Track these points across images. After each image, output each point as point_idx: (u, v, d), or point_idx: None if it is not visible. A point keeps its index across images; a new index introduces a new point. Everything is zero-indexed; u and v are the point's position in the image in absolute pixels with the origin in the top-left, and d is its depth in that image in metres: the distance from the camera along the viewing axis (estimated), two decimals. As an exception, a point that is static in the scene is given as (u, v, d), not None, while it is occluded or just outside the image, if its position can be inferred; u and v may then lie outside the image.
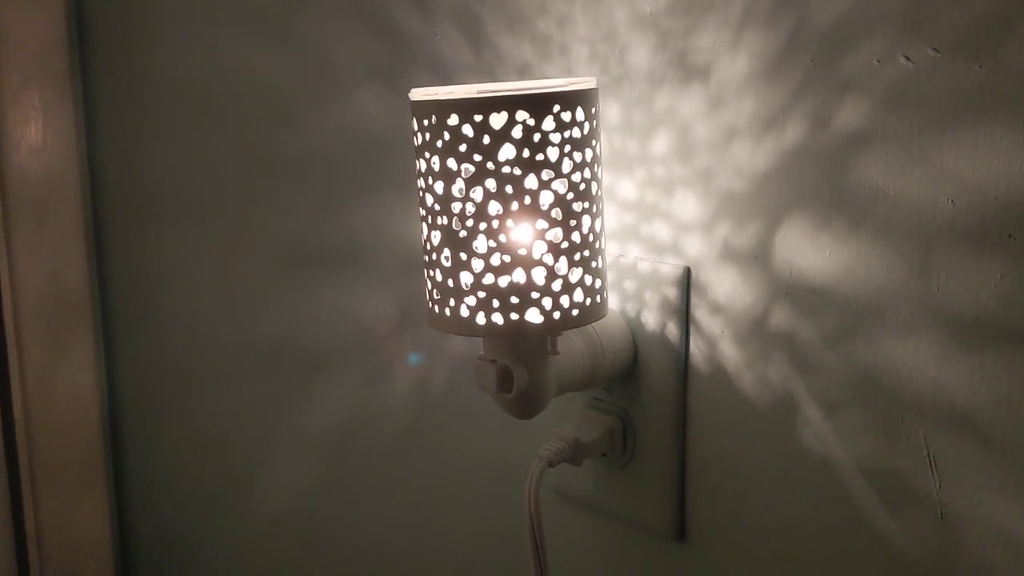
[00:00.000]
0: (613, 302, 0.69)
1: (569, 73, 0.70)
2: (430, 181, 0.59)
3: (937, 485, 0.55)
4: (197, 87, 1.09)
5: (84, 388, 1.28)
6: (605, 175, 0.69)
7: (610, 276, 0.68)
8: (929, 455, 0.55)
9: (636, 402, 0.68)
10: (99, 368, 1.30)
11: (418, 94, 0.59)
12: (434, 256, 0.60)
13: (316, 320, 0.98)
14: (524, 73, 0.73)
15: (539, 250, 0.58)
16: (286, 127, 0.97)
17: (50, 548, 1.28)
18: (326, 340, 0.98)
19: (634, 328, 0.68)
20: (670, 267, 0.65)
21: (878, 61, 0.54)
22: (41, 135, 1.21)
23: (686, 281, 0.65)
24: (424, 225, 0.60)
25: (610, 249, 0.69)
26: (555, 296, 0.58)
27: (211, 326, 1.15)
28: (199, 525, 1.24)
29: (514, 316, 0.58)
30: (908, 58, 0.53)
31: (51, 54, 1.20)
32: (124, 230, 1.26)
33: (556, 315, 0.58)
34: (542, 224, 0.57)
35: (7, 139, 1.18)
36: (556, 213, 0.58)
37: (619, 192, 0.68)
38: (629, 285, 0.68)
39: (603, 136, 0.68)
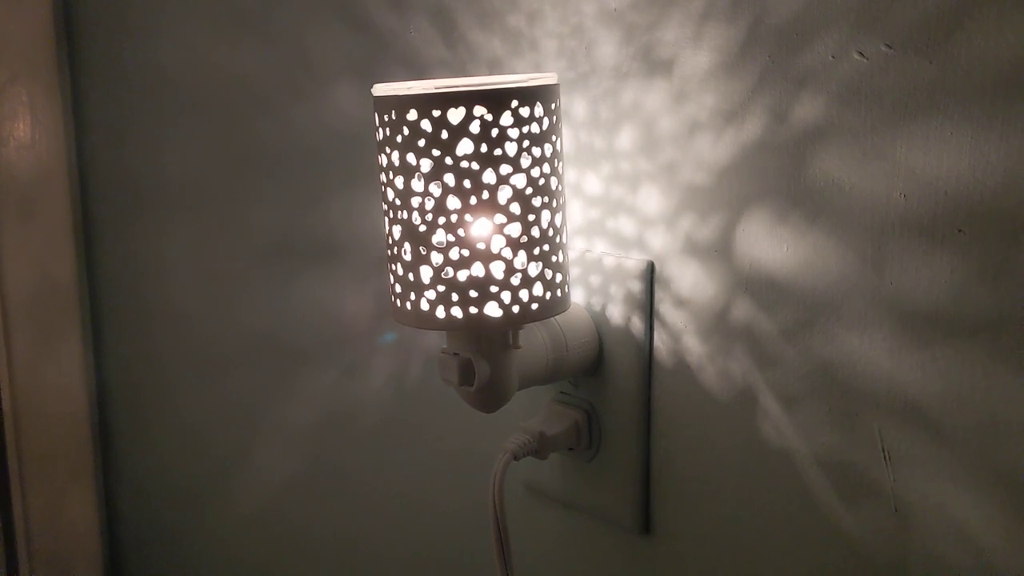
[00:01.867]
0: (579, 296, 0.69)
1: (538, 68, 0.70)
2: (391, 176, 0.59)
3: (891, 478, 0.55)
4: (183, 83, 1.10)
5: (72, 381, 1.29)
6: (572, 171, 0.69)
7: (576, 271, 0.69)
8: (883, 448, 0.56)
9: (602, 396, 0.69)
10: (87, 361, 1.31)
11: (380, 90, 0.59)
12: (396, 250, 0.60)
13: (298, 314, 0.99)
14: (494, 68, 0.73)
15: (498, 244, 0.58)
16: (269, 123, 0.98)
17: (39, 540, 1.29)
18: (307, 334, 0.98)
19: (599, 322, 0.68)
20: (634, 262, 0.66)
21: (833, 57, 0.55)
22: (29, 131, 1.22)
23: (650, 276, 0.65)
24: (386, 220, 0.61)
25: (576, 244, 0.70)
26: (514, 290, 0.59)
27: (196, 320, 1.15)
28: (186, 516, 1.25)
29: (473, 310, 0.58)
30: (862, 54, 0.53)
31: (39, 51, 1.21)
32: (112, 225, 1.27)
33: (515, 309, 0.59)
34: (501, 219, 0.58)
35: (-5, 135, 1.19)
36: (515, 208, 0.58)
37: (586, 187, 0.69)
38: (595, 280, 0.68)
39: (570, 131, 0.69)
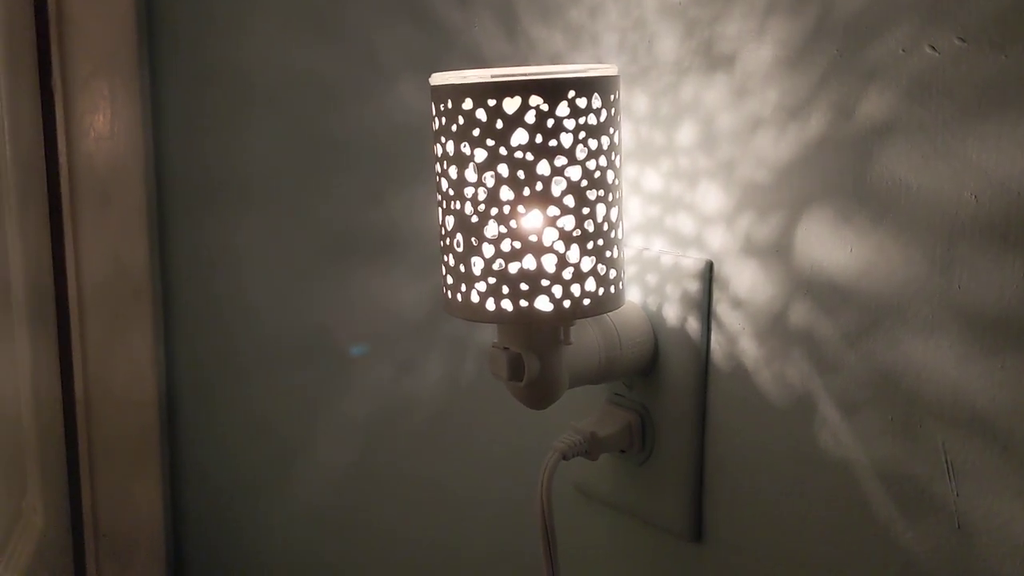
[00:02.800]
0: (635, 295, 0.68)
1: (599, 62, 0.69)
2: (445, 166, 0.59)
3: (955, 493, 0.53)
4: (257, 79, 1.12)
5: (142, 368, 1.32)
6: (632, 167, 0.68)
7: (633, 269, 0.68)
8: (947, 461, 0.53)
9: (656, 398, 0.67)
10: (157, 349, 1.34)
11: (437, 79, 0.59)
12: (448, 241, 0.60)
13: (362, 308, 1.00)
14: (556, 63, 0.73)
15: (550, 237, 0.57)
16: (338, 117, 0.99)
17: (105, 524, 1.32)
18: (368, 328, 0.99)
19: (655, 322, 0.67)
20: (692, 261, 0.64)
21: (903, 50, 0.53)
22: (109, 124, 1.25)
23: (708, 275, 0.64)
24: (440, 210, 0.60)
25: (635, 242, 0.68)
26: (566, 284, 0.58)
27: (264, 312, 1.17)
28: (248, 505, 1.26)
29: (523, 303, 0.58)
30: (933, 47, 0.51)
31: (120, 45, 1.24)
32: (185, 216, 1.30)
33: (566, 304, 0.58)
34: (554, 211, 0.57)
35: (76, 127, 1.22)
36: (569, 200, 0.57)
37: (645, 184, 0.67)
38: (651, 278, 0.67)
39: (631, 127, 0.68)
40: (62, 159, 1.22)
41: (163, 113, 1.29)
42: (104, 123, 1.24)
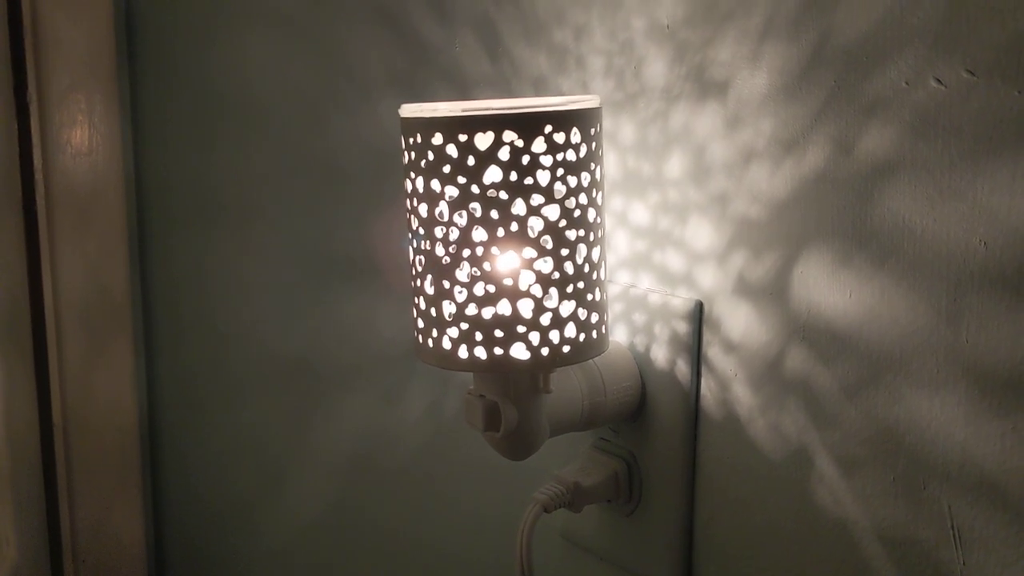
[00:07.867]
0: (621, 335, 0.64)
1: (584, 87, 0.65)
2: (415, 203, 0.55)
3: (961, 561, 0.49)
4: (241, 93, 1.08)
5: (122, 392, 1.28)
6: (618, 199, 0.64)
7: (620, 308, 0.64)
8: (953, 527, 0.49)
9: (644, 445, 0.63)
10: (138, 373, 1.30)
11: (407, 111, 0.55)
12: (418, 283, 0.56)
13: (346, 329, 0.96)
14: (539, 86, 0.69)
15: (526, 280, 0.53)
16: (321, 137, 0.95)
17: (85, 551, 1.28)
18: (354, 350, 0.95)
19: (642, 364, 0.63)
20: (681, 300, 0.60)
21: (907, 83, 0.48)
22: (87, 139, 1.21)
23: (698, 316, 0.60)
24: (410, 249, 0.56)
25: (621, 278, 0.64)
26: (543, 331, 0.54)
27: (246, 332, 1.13)
28: (232, 531, 1.23)
29: (498, 351, 0.54)
30: (940, 80, 0.47)
31: (99, 58, 1.20)
32: (167, 234, 1.26)
33: (544, 351, 0.54)
34: (530, 253, 0.53)
35: (53, 142, 1.18)
36: (546, 241, 0.53)
37: (632, 217, 0.63)
38: (639, 318, 0.63)
39: (617, 157, 0.64)
40: (38, 175, 1.18)
41: (144, 128, 1.25)
42: (82, 138, 1.20)
